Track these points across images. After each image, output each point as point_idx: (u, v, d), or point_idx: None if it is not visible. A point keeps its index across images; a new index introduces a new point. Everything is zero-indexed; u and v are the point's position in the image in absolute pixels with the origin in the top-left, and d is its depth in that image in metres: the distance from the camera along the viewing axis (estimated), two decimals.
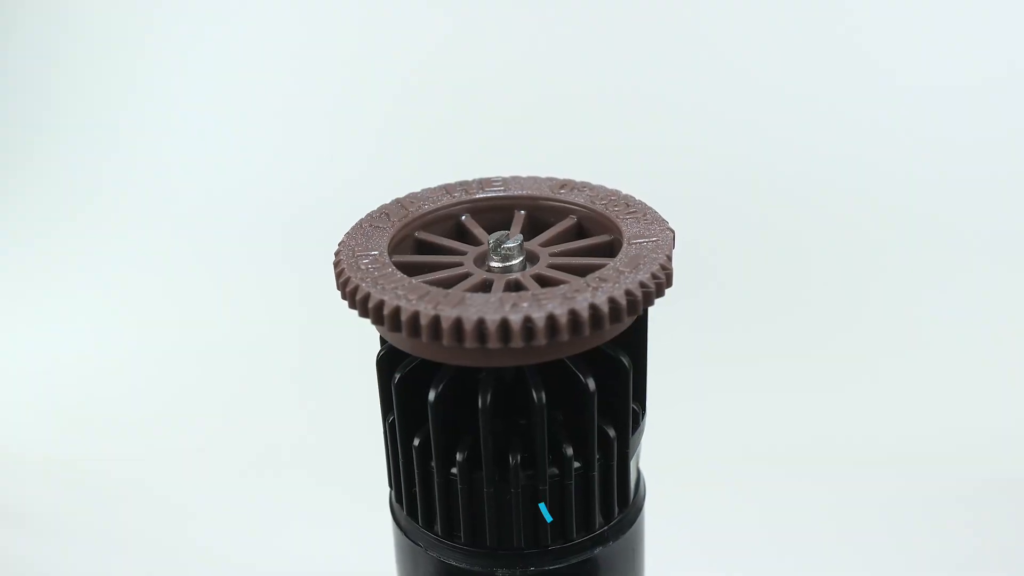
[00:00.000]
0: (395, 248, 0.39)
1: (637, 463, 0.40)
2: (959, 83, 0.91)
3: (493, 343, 0.32)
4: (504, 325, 0.32)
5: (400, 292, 0.34)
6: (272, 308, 0.92)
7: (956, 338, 0.86)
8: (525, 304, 0.32)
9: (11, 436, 0.86)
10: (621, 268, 0.34)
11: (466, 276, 0.36)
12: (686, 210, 0.89)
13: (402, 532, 0.39)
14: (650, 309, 0.35)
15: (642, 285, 0.33)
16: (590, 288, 0.33)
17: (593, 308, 0.32)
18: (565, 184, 0.41)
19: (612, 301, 0.33)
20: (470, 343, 0.32)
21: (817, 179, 0.91)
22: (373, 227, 0.39)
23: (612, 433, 0.36)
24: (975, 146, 0.90)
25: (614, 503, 0.38)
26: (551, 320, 0.32)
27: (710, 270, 0.90)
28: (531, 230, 0.40)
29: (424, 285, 0.34)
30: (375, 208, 0.40)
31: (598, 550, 0.38)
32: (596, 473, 0.36)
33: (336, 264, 0.36)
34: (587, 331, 0.32)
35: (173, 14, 0.99)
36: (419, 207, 0.40)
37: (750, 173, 0.91)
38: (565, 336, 0.32)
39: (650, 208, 0.39)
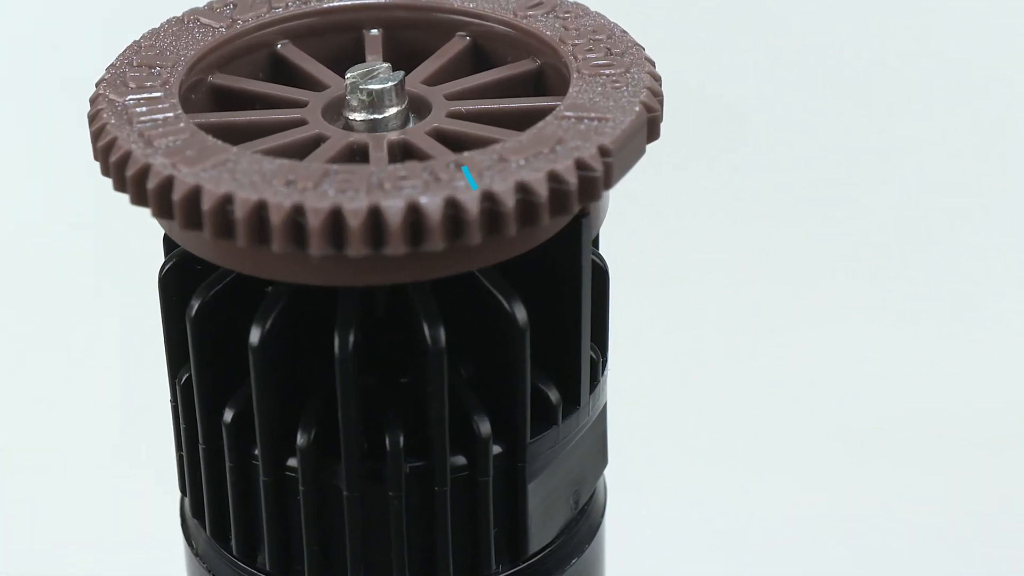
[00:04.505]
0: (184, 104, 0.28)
1: (576, 488, 0.24)
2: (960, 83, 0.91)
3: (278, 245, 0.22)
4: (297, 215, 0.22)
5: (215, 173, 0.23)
6: None
7: (956, 337, 0.85)
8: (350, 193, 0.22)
9: (11, 436, 0.86)
10: (507, 154, 0.22)
11: (319, 140, 0.25)
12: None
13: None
14: (613, 252, 0.24)
15: (522, 188, 0.21)
16: (424, 179, 0.21)
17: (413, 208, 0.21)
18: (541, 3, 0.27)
19: (452, 202, 0.21)
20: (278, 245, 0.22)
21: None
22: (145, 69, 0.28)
23: (484, 430, 0.23)
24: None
25: (493, 546, 0.24)
26: (333, 214, 0.21)
27: (709, 269, 0.89)
28: (477, 66, 0.28)
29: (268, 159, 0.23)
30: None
31: None
32: (448, 491, 0.23)
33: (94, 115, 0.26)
34: (401, 247, 0.21)
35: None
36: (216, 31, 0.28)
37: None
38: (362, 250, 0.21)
39: (645, 63, 0.26)
